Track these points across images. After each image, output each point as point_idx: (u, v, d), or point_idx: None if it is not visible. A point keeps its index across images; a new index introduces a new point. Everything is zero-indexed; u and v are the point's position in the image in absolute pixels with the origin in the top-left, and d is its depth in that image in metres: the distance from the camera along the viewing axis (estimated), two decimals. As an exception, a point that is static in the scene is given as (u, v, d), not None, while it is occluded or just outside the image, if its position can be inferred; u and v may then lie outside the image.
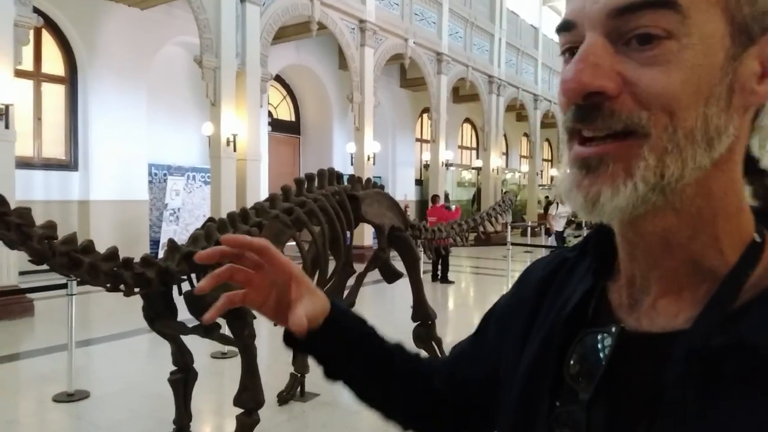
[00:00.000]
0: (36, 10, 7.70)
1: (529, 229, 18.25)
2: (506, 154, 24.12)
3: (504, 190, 18.28)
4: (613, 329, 0.51)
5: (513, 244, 12.64)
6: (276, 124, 15.67)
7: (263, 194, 11.21)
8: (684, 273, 0.50)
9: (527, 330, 0.63)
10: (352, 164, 13.59)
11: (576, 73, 0.45)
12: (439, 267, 10.61)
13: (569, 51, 0.49)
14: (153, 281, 2.73)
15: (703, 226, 0.49)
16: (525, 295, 0.67)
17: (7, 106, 6.98)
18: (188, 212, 12.49)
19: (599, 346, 0.52)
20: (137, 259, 2.76)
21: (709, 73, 0.45)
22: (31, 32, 7.55)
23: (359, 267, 4.11)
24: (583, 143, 0.48)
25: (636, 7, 0.44)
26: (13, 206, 2.18)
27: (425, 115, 19.25)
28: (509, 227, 13.43)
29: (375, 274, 4.26)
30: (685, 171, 0.45)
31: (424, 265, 6.98)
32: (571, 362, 0.53)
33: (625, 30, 0.45)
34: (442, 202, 12.55)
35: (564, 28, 0.49)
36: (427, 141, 18.92)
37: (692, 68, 0.44)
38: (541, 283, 0.65)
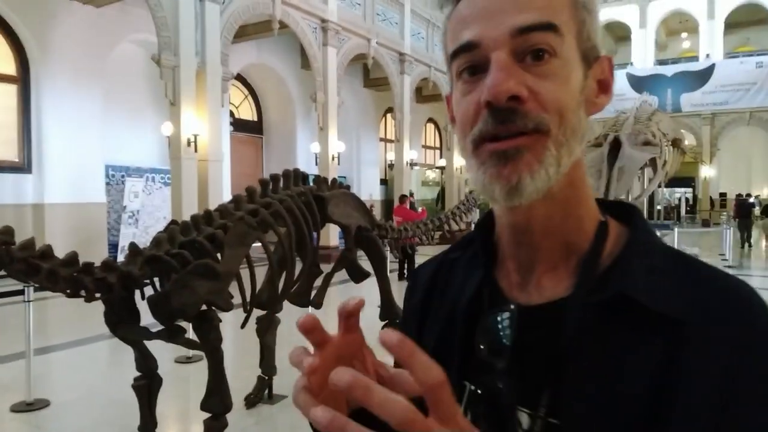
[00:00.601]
0: (-16, 7, 7.43)
1: (492, 226, 18.50)
2: (469, 152, 24.44)
3: (468, 190, 18.49)
4: (512, 306, 0.62)
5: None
6: (238, 124, 15.47)
7: (226, 195, 11.06)
8: (558, 251, 0.63)
9: (420, 328, 0.72)
10: (316, 164, 13.55)
11: (501, 80, 0.56)
12: (406, 266, 10.67)
13: (468, 70, 0.60)
14: (115, 286, 2.67)
15: (570, 210, 0.62)
16: (414, 300, 0.76)
17: (-46, 107, 6.72)
18: (148, 214, 12.20)
19: (499, 324, 0.61)
20: (98, 264, 2.70)
21: (578, 86, 0.59)
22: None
23: (326, 267, 4.10)
24: (494, 142, 0.58)
25: (531, 28, 0.56)
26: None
27: (389, 115, 19.31)
28: (473, 225, 13.59)
29: (342, 274, 4.26)
30: (570, 160, 0.58)
31: (391, 264, 7.02)
32: (480, 342, 0.62)
33: (523, 48, 0.57)
34: (410, 201, 12.59)
35: (466, 48, 0.59)
36: (391, 141, 18.99)
37: (569, 81, 0.58)
38: (427, 285, 0.75)
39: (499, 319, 0.61)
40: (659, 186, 13.65)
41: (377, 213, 17.86)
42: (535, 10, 0.57)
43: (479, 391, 0.62)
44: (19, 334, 4.59)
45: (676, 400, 0.52)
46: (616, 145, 13.34)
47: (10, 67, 10.51)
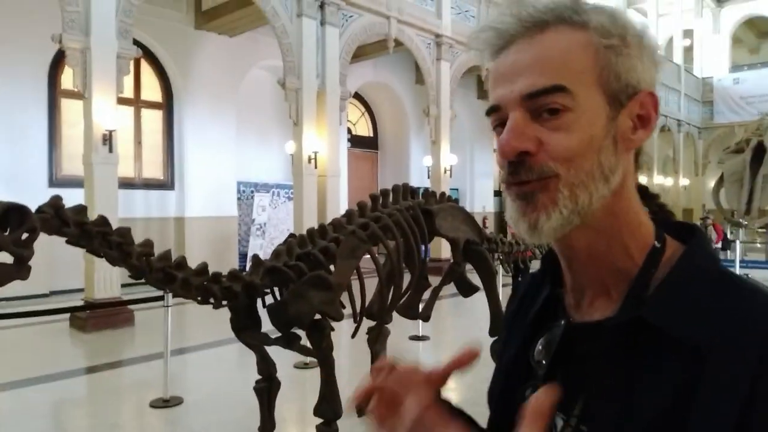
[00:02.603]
0: (136, 42, 8.39)
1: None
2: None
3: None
4: (562, 322, 0.69)
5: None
6: (355, 140, 16.04)
7: (343, 209, 11.48)
8: (607, 276, 0.67)
9: (509, 334, 0.82)
10: (428, 177, 13.65)
11: (507, 140, 0.63)
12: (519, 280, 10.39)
13: (499, 126, 0.66)
14: (239, 294, 2.90)
15: (613, 238, 0.66)
16: (511, 308, 0.86)
17: (110, 132, 7.64)
18: (273, 227, 13.01)
19: (557, 336, 0.68)
20: (225, 274, 2.94)
21: (597, 132, 0.63)
22: (132, 63, 8.22)
23: (437, 281, 4.14)
24: (517, 185, 0.65)
25: (539, 93, 0.62)
26: (117, 222, 2.41)
27: (504, 126, 19.00)
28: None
29: (453, 288, 4.27)
30: (593, 199, 0.63)
31: (503, 278, 6.89)
32: (539, 349, 0.70)
33: (536, 107, 0.63)
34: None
35: (492, 110, 0.67)
36: (506, 152, 18.62)
37: (584, 131, 0.62)
38: (521, 299, 0.84)
39: (557, 331, 0.69)
40: (814, 196, 12.15)
41: (491, 226, 17.59)
42: (545, 74, 0.62)
43: (530, 392, 0.68)
44: (159, 335, 5.08)
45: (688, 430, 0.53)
46: (760, 151, 12.12)
47: (156, 95, 11.76)
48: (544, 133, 0.62)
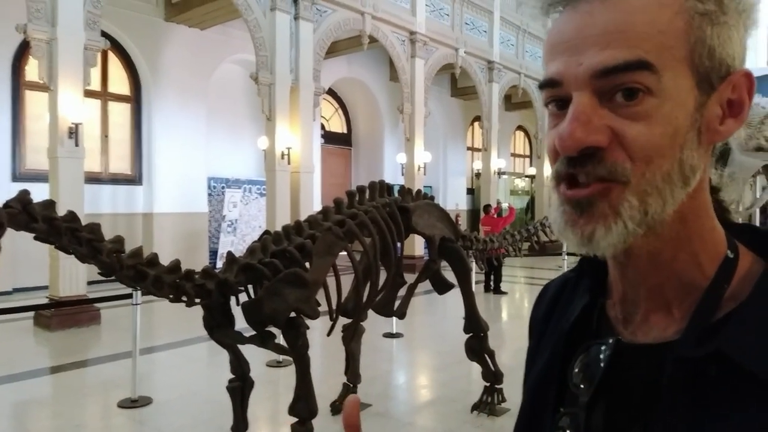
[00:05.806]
0: (103, 34, 8.17)
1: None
2: (561, 161, 23.70)
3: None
4: (610, 341, 0.57)
5: (568, 254, 12.36)
6: (328, 137, 15.94)
7: (316, 205, 11.42)
8: (670, 288, 0.56)
9: (538, 344, 0.70)
10: (402, 174, 13.66)
11: (571, 131, 0.50)
12: (492, 278, 10.49)
13: (554, 102, 0.54)
14: (213, 292, 2.84)
15: (682, 246, 0.54)
16: (538, 315, 0.74)
17: (77, 125, 7.42)
18: (245, 223, 12.85)
19: (601, 356, 0.57)
20: (198, 271, 2.88)
21: (683, 122, 0.51)
22: (99, 54, 8.00)
23: (411, 278, 4.13)
24: (571, 186, 0.53)
25: (617, 69, 0.49)
26: (83, 219, 2.33)
27: (476, 124, 19.15)
28: (564, 236, 13.12)
29: (426, 285, 4.27)
30: (666, 206, 0.51)
31: (477, 275, 6.94)
32: (575, 371, 0.59)
33: (609, 87, 0.50)
34: (496, 209, 12.36)
35: (548, 84, 0.54)
36: (478, 149, 18.79)
37: (669, 120, 0.50)
38: (550, 303, 0.72)
39: (600, 353, 0.57)
40: (774, 196, 12.60)
41: (463, 223, 17.72)
42: (624, 46, 0.49)
43: (567, 421, 0.59)
44: (126, 334, 4.96)
45: None
46: (725, 151, 12.47)
47: (124, 88, 11.48)
48: (618, 122, 0.50)
